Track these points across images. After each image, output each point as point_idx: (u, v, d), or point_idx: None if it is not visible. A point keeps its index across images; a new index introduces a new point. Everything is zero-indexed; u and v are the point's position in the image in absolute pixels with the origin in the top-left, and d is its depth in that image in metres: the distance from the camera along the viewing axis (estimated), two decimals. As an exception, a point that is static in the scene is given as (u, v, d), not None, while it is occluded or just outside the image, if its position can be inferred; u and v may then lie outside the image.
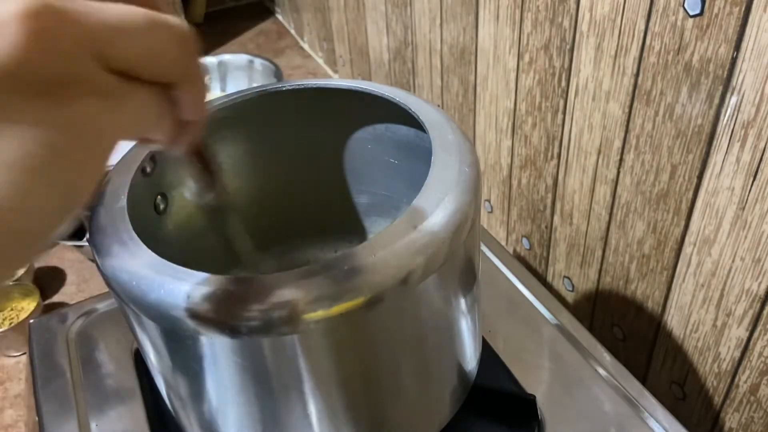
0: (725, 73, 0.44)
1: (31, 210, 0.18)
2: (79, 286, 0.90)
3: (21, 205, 0.18)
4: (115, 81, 0.19)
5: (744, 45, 0.42)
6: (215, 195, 0.33)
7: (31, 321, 0.58)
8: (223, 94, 0.58)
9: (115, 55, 0.19)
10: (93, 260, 0.35)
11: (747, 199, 0.46)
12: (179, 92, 0.22)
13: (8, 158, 0.17)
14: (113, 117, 0.20)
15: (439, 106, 0.88)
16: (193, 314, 0.30)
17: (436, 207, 0.33)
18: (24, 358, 0.79)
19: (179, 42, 0.21)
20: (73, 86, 0.18)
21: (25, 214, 0.18)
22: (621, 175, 0.57)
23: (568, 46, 0.58)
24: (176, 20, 0.21)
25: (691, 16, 0.45)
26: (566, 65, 0.59)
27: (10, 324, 0.79)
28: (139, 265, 0.32)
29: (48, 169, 0.18)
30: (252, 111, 0.46)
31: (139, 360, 0.53)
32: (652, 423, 0.46)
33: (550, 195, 0.69)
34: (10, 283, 0.82)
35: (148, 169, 0.40)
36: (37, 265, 0.92)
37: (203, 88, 0.23)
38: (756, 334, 0.49)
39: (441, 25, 0.80)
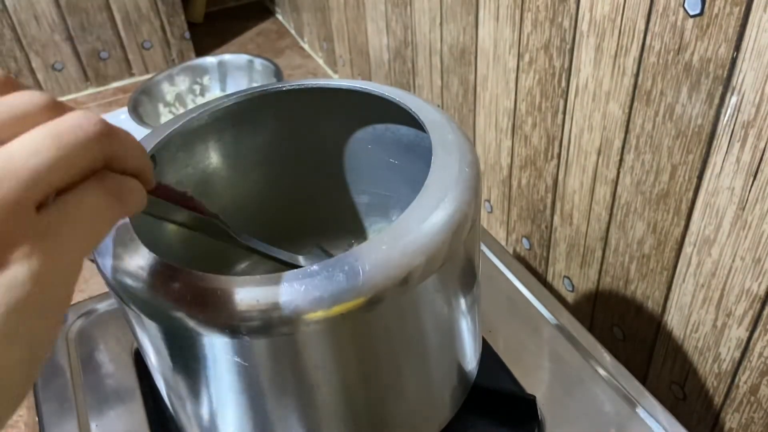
0: (725, 73, 0.44)
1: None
2: (79, 286, 0.90)
3: None
4: (50, 216, 0.19)
5: (744, 45, 0.42)
6: (200, 215, 0.33)
7: (31, 321, 0.58)
8: (223, 94, 0.58)
9: (46, 188, 0.19)
10: (93, 260, 0.35)
11: (747, 199, 0.46)
12: (114, 164, 0.23)
13: None
14: (67, 244, 0.20)
15: (439, 106, 0.88)
16: (193, 314, 0.30)
17: (436, 207, 0.33)
18: (24, 358, 0.79)
19: (93, 133, 0.21)
20: (8, 247, 0.18)
21: None
22: (621, 175, 0.57)
23: (568, 46, 0.58)
24: (74, 113, 0.21)
25: (691, 16, 0.45)
26: (566, 65, 0.59)
27: (10, 324, 0.79)
28: (139, 265, 0.32)
29: (12, 330, 0.18)
30: (252, 111, 0.46)
31: (139, 360, 0.53)
32: (652, 423, 0.46)
33: (550, 195, 0.69)
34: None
35: None
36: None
37: (129, 146, 0.23)
38: (756, 335, 0.49)
39: (441, 24, 0.80)
